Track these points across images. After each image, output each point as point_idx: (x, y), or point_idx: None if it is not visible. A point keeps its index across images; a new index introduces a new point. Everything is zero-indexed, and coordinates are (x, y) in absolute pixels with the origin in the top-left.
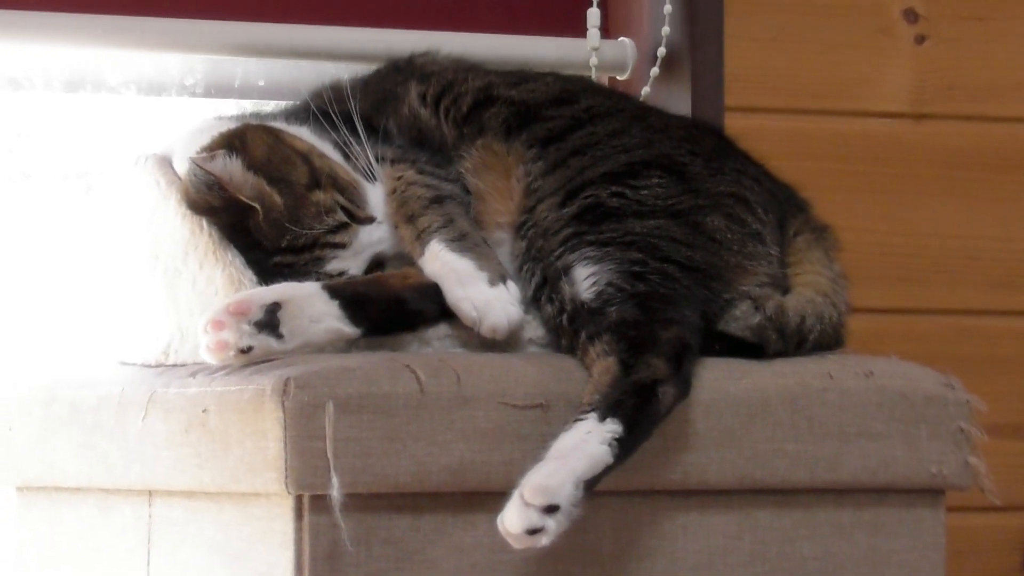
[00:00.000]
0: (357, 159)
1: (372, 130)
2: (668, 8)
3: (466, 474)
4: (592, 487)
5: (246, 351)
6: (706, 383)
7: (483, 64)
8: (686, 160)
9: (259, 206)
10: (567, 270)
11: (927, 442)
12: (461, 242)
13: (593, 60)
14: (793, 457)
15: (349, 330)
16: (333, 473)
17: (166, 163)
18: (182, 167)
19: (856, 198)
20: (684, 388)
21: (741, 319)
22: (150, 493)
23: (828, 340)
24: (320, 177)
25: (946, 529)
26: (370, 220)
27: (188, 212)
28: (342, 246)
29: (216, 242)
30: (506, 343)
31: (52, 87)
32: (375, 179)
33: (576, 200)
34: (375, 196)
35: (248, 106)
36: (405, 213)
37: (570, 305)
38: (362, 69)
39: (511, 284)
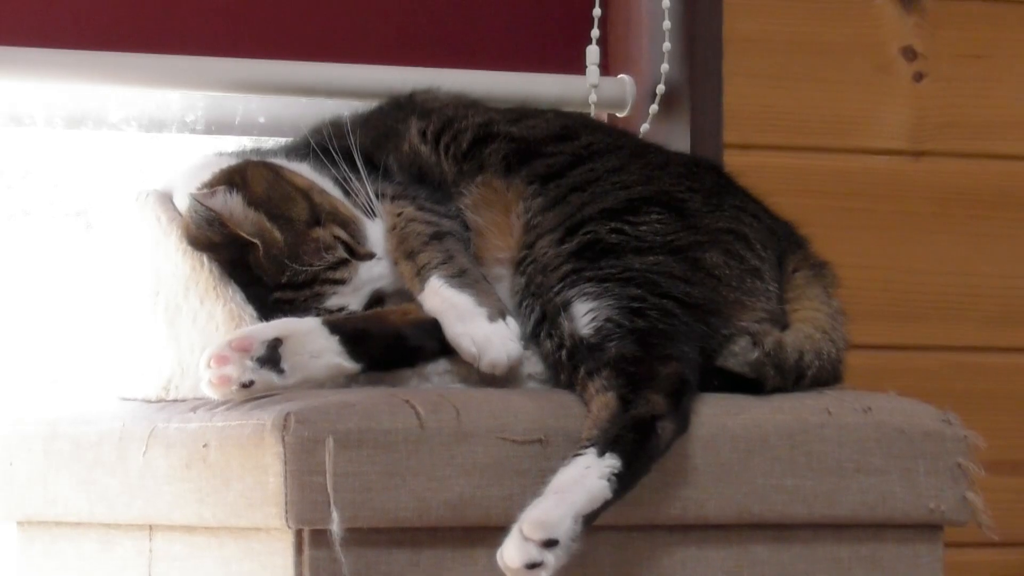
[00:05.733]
0: (357, 195)
1: (372, 166)
2: (667, 46)
3: (465, 509)
4: (591, 522)
5: (248, 386)
6: (705, 418)
7: (483, 101)
8: (685, 196)
9: (259, 242)
10: (566, 306)
11: (925, 478)
12: (461, 278)
13: (593, 97)
14: (791, 492)
15: (349, 365)
16: (333, 508)
17: (167, 199)
18: (183, 203)
19: (855, 235)
20: (683, 423)
21: (739, 355)
22: (151, 528)
23: (826, 376)
24: (320, 213)
25: (944, 564)
26: (370, 256)
27: (189, 248)
28: (342, 282)
29: (217, 278)
30: (505, 379)
31: (53, 124)
32: (375, 215)
33: (575, 236)
34: (375, 232)
35: (248, 142)
36: (405, 249)
37: (569, 341)
38: (363, 106)
39: (510, 320)
